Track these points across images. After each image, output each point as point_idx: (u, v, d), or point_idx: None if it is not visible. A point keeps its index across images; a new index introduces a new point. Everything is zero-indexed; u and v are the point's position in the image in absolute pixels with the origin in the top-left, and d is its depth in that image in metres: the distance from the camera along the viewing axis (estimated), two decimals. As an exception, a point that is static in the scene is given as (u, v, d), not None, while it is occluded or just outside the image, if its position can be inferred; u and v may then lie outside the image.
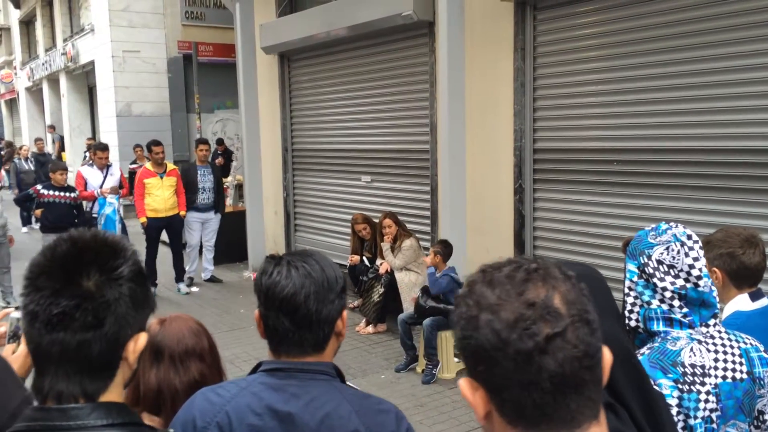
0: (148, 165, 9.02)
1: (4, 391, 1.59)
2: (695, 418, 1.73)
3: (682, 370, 1.75)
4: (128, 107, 16.43)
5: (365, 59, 8.59)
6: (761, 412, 1.85)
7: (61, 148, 19.52)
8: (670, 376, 1.74)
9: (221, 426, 1.47)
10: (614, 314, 1.51)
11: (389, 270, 7.09)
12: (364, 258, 7.59)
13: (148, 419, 1.71)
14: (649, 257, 1.84)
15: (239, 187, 11.89)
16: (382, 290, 7.15)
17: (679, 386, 1.73)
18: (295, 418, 1.46)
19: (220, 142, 14.97)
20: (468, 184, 6.82)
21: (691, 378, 1.74)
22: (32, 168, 14.95)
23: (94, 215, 8.71)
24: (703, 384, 1.74)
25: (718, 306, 1.88)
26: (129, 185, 9.62)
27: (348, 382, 1.62)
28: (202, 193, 9.16)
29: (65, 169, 8.59)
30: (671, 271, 1.81)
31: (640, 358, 1.67)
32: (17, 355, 1.82)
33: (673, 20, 5.33)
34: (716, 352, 1.80)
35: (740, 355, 1.82)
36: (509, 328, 0.84)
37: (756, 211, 4.95)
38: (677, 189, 5.43)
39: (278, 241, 10.53)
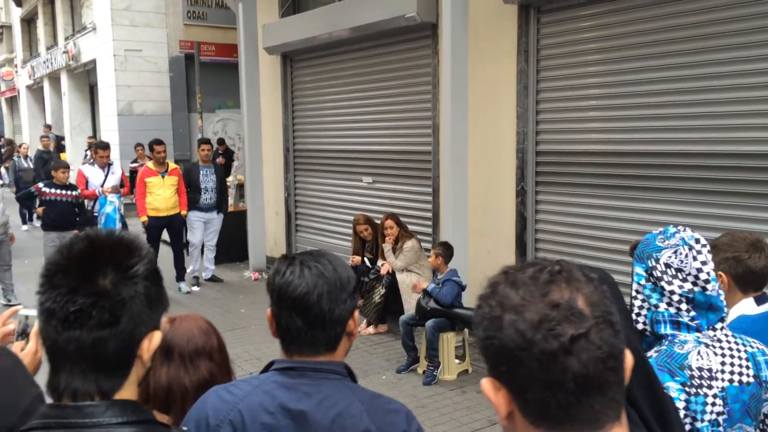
0: (149, 164, 9.03)
1: (16, 388, 1.59)
2: (702, 421, 1.73)
3: (690, 373, 1.75)
4: (129, 106, 16.44)
5: (368, 60, 8.60)
6: (767, 416, 1.86)
7: (58, 148, 19.44)
8: (677, 379, 1.75)
9: (234, 424, 1.48)
10: (626, 317, 1.52)
11: (390, 271, 7.10)
12: (366, 259, 7.59)
13: (157, 417, 1.71)
14: (657, 260, 1.84)
15: (240, 187, 11.90)
16: (383, 291, 7.16)
17: (687, 389, 1.74)
18: (308, 416, 1.47)
19: (221, 141, 14.98)
20: (470, 186, 6.83)
21: (699, 381, 1.75)
22: (31, 166, 14.94)
23: (95, 214, 8.71)
24: (710, 387, 1.75)
25: (725, 310, 1.89)
26: (130, 184, 9.62)
27: None
28: (205, 193, 9.16)
29: (67, 167, 8.58)
30: (679, 274, 1.82)
31: (647, 360, 1.68)
32: (26, 353, 1.83)
33: (677, 24, 5.34)
34: (723, 355, 1.80)
35: (747, 359, 1.83)
36: (534, 328, 0.85)
37: (760, 216, 4.95)
38: (680, 193, 5.44)
39: (279, 241, 10.53)
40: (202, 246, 9.47)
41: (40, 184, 8.47)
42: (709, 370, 1.76)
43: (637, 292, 1.90)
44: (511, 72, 6.48)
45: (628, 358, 0.90)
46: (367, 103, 8.66)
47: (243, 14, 10.06)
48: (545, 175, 6.49)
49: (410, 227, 7.38)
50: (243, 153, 11.02)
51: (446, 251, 6.11)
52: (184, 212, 8.97)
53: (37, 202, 8.39)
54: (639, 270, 1.90)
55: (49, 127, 21.15)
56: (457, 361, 6.09)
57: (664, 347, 1.82)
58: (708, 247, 1.85)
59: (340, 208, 9.32)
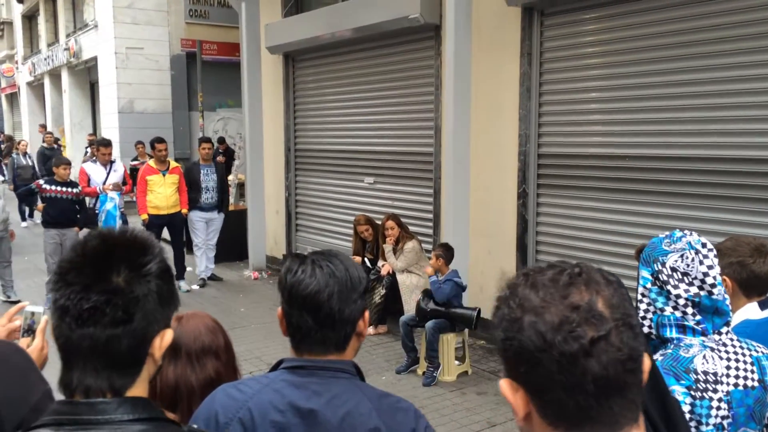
0: (151, 162, 9.03)
1: (26, 383, 1.60)
2: (707, 425, 1.74)
3: (695, 377, 1.76)
4: (130, 104, 16.44)
5: (370, 61, 8.60)
6: (772, 420, 1.86)
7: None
8: (682, 382, 1.75)
9: (244, 422, 1.48)
10: None
11: (391, 272, 7.11)
12: (366, 259, 7.60)
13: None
14: (664, 264, 1.85)
15: (241, 186, 11.90)
16: (383, 292, 7.16)
17: (692, 393, 1.74)
18: (318, 415, 1.48)
19: (221, 140, 14.98)
20: (471, 188, 6.84)
21: (704, 385, 1.75)
22: (30, 163, 14.91)
23: (96, 211, 8.71)
24: (715, 391, 1.75)
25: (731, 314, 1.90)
26: (131, 182, 9.62)
27: None
28: (206, 192, 9.15)
29: (68, 163, 8.58)
30: (685, 278, 1.82)
31: (653, 364, 1.69)
32: (32, 350, 1.83)
33: (681, 28, 5.35)
34: (728, 359, 1.81)
35: (752, 363, 1.83)
36: (554, 330, 0.85)
37: (764, 221, 4.96)
38: (683, 197, 5.45)
39: (279, 240, 10.54)
40: None
41: (41, 181, 8.46)
42: (715, 374, 1.77)
43: (643, 295, 1.90)
44: (514, 74, 6.49)
45: (647, 361, 0.91)
46: (369, 103, 8.66)
47: (246, 13, 10.07)
48: (547, 177, 6.50)
49: (411, 228, 7.39)
50: (244, 152, 11.02)
51: (447, 252, 6.11)
52: (184, 211, 8.97)
53: (39, 199, 8.38)
54: (645, 273, 1.91)
55: (44, 126, 21.13)
56: (456, 362, 6.09)
57: (670, 351, 1.82)
58: (714, 252, 1.85)
59: (340, 209, 9.32)
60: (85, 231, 8.61)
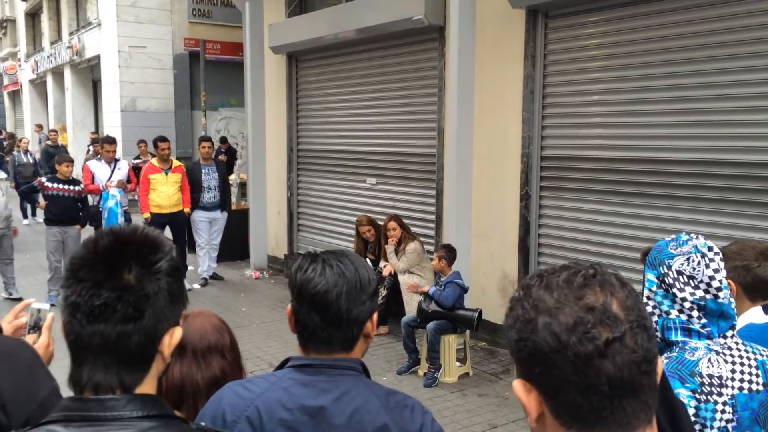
0: (153, 161, 9.04)
1: (34, 379, 1.60)
2: (711, 428, 1.74)
3: (700, 380, 1.76)
4: (133, 102, 16.46)
5: (374, 62, 8.61)
6: (777, 424, 1.86)
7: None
8: (687, 385, 1.75)
9: (251, 420, 1.49)
10: None
11: (392, 272, 7.11)
12: (368, 260, 7.59)
13: (173, 413, 1.72)
14: (669, 267, 1.85)
15: (243, 186, 11.90)
16: (384, 292, 7.16)
17: (697, 396, 1.75)
18: (326, 412, 1.48)
19: (223, 140, 14.98)
20: (474, 189, 6.83)
21: (709, 388, 1.75)
22: (31, 161, 14.90)
23: (100, 209, 8.72)
24: (720, 395, 1.75)
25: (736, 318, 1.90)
26: (136, 180, 9.63)
27: None
28: (208, 191, 9.16)
29: (71, 161, 8.58)
30: (691, 282, 1.82)
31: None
32: (38, 346, 1.84)
33: (685, 32, 5.35)
34: (733, 363, 1.81)
35: (757, 367, 1.83)
36: (568, 331, 0.85)
37: (766, 225, 4.96)
38: (686, 201, 5.45)
39: (281, 240, 10.54)
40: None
41: (43, 179, 8.47)
42: (720, 378, 1.77)
43: (648, 298, 1.90)
44: (518, 76, 6.50)
45: (660, 363, 0.91)
46: (372, 104, 8.67)
47: (249, 13, 10.08)
48: (550, 180, 6.50)
49: (413, 229, 7.39)
50: (246, 152, 11.02)
51: (449, 254, 6.11)
52: (187, 210, 8.98)
53: (41, 197, 8.38)
54: (650, 276, 1.91)
55: (40, 126, 21.13)
56: (458, 363, 6.09)
57: (675, 354, 1.82)
58: (720, 255, 1.86)
59: (342, 209, 9.32)
60: (90, 229, 8.64)
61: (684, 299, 1.82)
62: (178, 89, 16.53)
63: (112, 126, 16.86)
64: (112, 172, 8.87)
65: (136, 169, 9.85)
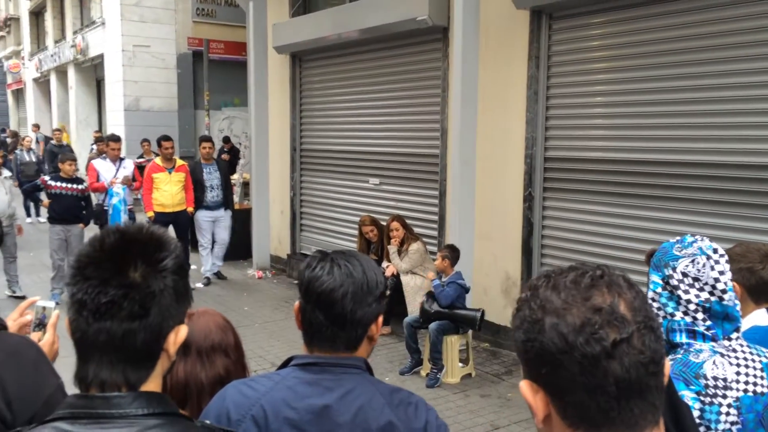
0: (157, 160, 9.07)
1: (39, 377, 1.61)
2: (716, 430, 1.74)
3: (705, 382, 1.75)
4: (136, 102, 16.48)
5: (378, 62, 8.61)
6: (780, 426, 1.86)
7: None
8: (692, 388, 1.75)
9: (256, 419, 1.49)
10: None
11: (395, 273, 7.11)
12: (370, 260, 7.59)
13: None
14: (674, 269, 1.84)
15: (245, 185, 11.91)
16: (387, 293, 7.14)
17: (701, 398, 1.74)
18: (331, 410, 1.49)
19: (226, 139, 15.00)
20: (477, 190, 6.83)
21: (713, 390, 1.75)
22: (33, 160, 14.91)
23: (105, 207, 8.74)
24: (724, 397, 1.75)
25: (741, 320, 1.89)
26: (141, 178, 9.64)
27: None
28: (211, 191, 9.18)
29: (74, 160, 8.60)
30: (696, 284, 1.82)
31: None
32: (43, 344, 1.84)
33: (691, 34, 5.34)
34: (738, 365, 1.81)
35: (762, 369, 1.83)
36: (576, 332, 0.85)
37: None
38: (691, 203, 5.44)
39: (283, 240, 10.55)
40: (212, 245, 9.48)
41: (46, 177, 8.49)
42: (724, 380, 1.76)
43: (653, 300, 1.90)
44: (522, 77, 6.49)
45: (667, 364, 0.91)
46: (376, 104, 8.67)
47: (253, 13, 10.09)
48: (553, 181, 6.50)
49: (416, 230, 7.39)
50: (249, 151, 11.03)
51: (453, 254, 6.12)
52: (190, 209, 8.99)
53: (44, 195, 8.40)
54: (655, 278, 1.90)
55: (37, 126, 21.13)
56: (460, 364, 6.09)
57: (680, 356, 1.82)
58: (726, 257, 1.85)
59: (345, 209, 9.32)
60: (94, 227, 8.65)
61: (689, 301, 1.81)
62: (182, 88, 16.55)
63: (115, 125, 16.89)
64: (117, 170, 8.90)
65: (139, 168, 9.87)
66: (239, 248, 10.58)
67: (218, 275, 9.67)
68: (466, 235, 6.72)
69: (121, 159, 9.11)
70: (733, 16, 5.08)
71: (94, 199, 8.87)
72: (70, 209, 8.21)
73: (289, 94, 10.19)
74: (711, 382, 1.75)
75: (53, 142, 16.26)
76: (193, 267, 9.55)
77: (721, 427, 1.74)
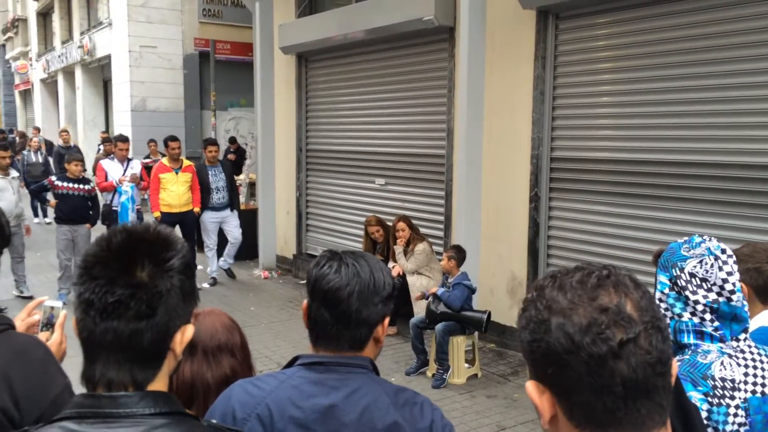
0: (164, 160, 9.10)
1: (47, 376, 1.61)
2: (723, 431, 1.73)
3: (712, 383, 1.75)
4: (143, 102, 16.53)
5: (384, 62, 8.61)
6: (789, 428, 1.85)
7: (49, 152, 19.00)
8: (700, 389, 1.74)
9: (262, 418, 1.49)
10: None
11: (401, 273, 7.10)
12: (376, 260, 7.59)
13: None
14: (682, 270, 1.84)
15: (252, 186, 11.93)
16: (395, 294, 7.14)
17: (709, 399, 1.73)
18: (337, 410, 1.49)
19: (232, 140, 15.02)
20: (483, 191, 6.82)
21: (721, 392, 1.74)
22: (40, 161, 14.95)
23: (114, 207, 8.77)
24: (732, 398, 1.74)
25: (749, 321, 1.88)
26: (148, 178, 9.67)
27: None
28: (216, 192, 9.20)
29: (81, 160, 8.63)
30: (704, 284, 1.81)
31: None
32: (51, 344, 1.85)
33: (697, 34, 5.33)
34: (746, 366, 1.80)
35: (770, 370, 1.82)
36: (582, 332, 0.85)
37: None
38: (697, 203, 5.42)
39: (289, 240, 10.56)
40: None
41: (53, 177, 8.52)
42: (732, 381, 1.76)
43: (660, 300, 1.89)
44: (528, 77, 6.48)
45: (675, 365, 0.90)
46: (382, 105, 8.67)
47: (260, 13, 10.10)
48: (559, 181, 6.48)
49: (422, 230, 7.38)
50: (256, 152, 11.05)
51: (459, 254, 6.11)
52: (197, 209, 9.01)
53: (51, 196, 8.43)
54: (663, 279, 1.90)
55: (38, 129, 21.17)
56: (466, 365, 6.08)
57: (687, 357, 1.81)
58: (734, 258, 1.84)
59: (351, 209, 9.33)
60: (101, 227, 8.67)
61: (696, 302, 1.81)
62: (188, 89, 16.58)
63: (122, 125, 16.95)
64: (125, 171, 8.94)
65: (146, 168, 9.90)
66: (245, 248, 10.58)
67: (229, 273, 9.69)
68: (472, 236, 6.71)
69: (129, 159, 9.15)
70: (739, 16, 5.06)
71: (102, 199, 8.90)
72: (77, 209, 8.24)
73: (295, 94, 10.20)
74: (719, 383, 1.74)
75: (60, 143, 16.28)
76: (199, 267, 9.57)
77: (728, 428, 1.73)
